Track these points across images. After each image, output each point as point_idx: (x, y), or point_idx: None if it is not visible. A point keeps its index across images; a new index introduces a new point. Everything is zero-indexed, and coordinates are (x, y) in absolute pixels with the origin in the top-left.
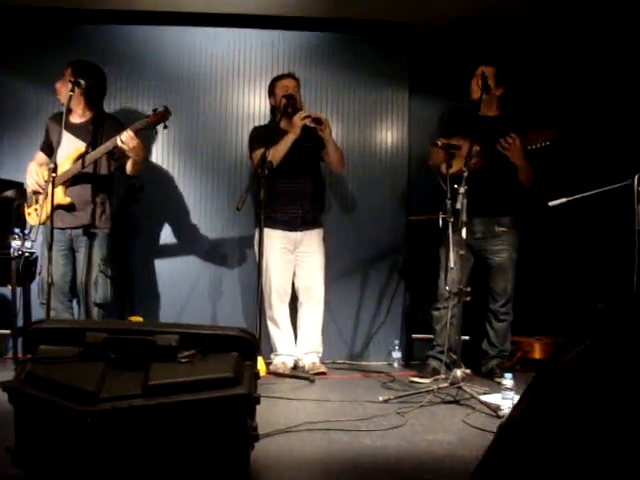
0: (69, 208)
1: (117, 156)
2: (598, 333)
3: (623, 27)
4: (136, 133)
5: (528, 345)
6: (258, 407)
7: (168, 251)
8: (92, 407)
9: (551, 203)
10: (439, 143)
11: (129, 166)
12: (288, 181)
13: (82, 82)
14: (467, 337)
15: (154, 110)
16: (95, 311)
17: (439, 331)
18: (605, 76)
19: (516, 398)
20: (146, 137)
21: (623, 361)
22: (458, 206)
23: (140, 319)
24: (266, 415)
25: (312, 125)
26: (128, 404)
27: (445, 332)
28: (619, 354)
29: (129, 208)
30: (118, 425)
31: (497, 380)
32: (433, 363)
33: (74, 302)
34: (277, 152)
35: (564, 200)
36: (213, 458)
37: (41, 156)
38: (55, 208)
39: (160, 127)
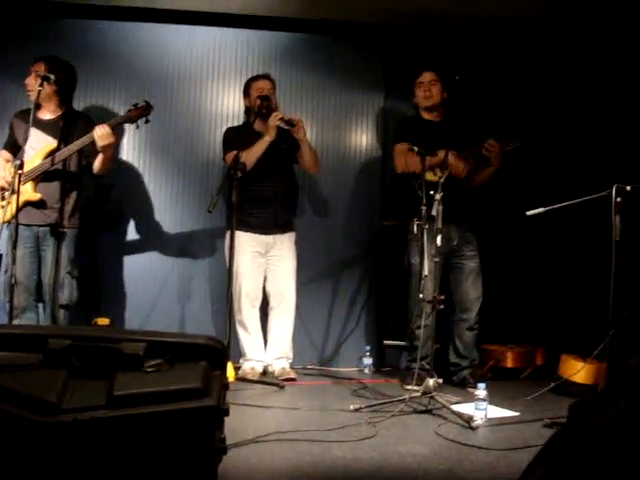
0: (38, 205)
1: (87, 153)
2: (635, 396)
3: (596, 34)
4: (113, 129)
5: (500, 354)
6: None
7: (137, 252)
8: (52, 418)
9: (529, 213)
10: (415, 149)
11: (97, 164)
12: (261, 183)
13: (52, 77)
14: (438, 345)
15: (135, 105)
16: (61, 313)
17: (420, 346)
18: (584, 85)
19: (490, 409)
20: (116, 135)
21: None
22: (433, 213)
23: (107, 321)
24: (234, 423)
25: (286, 127)
26: (91, 415)
27: (428, 343)
28: None
29: (98, 207)
30: (80, 438)
31: (470, 389)
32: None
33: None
34: (252, 155)
35: (542, 210)
36: (179, 473)
37: (5, 154)
38: (24, 204)
39: (141, 122)
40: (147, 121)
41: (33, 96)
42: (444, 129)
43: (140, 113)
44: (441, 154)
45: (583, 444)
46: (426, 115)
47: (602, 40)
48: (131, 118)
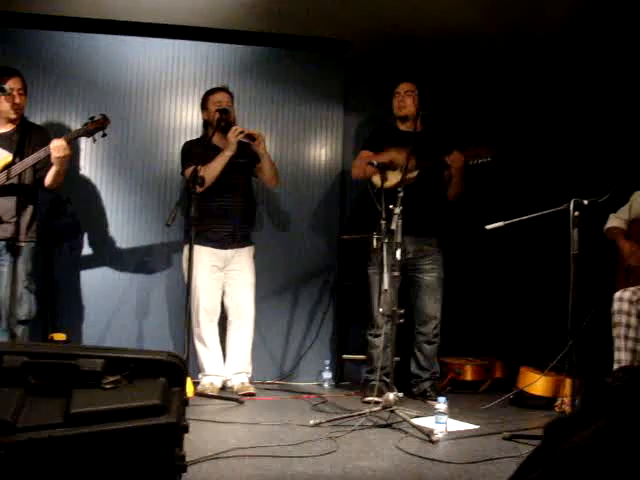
0: None
1: (40, 166)
2: (612, 415)
3: (551, 49)
4: (69, 143)
5: (459, 367)
6: None
7: (94, 266)
8: (7, 438)
9: (488, 227)
10: (374, 163)
11: (49, 178)
12: (220, 198)
13: (6, 88)
14: (397, 358)
15: (91, 118)
16: (20, 329)
17: (376, 356)
18: (542, 100)
19: (449, 422)
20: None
21: None
22: (393, 227)
23: (63, 337)
24: (194, 440)
25: (246, 141)
26: (48, 434)
27: (383, 355)
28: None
29: (54, 221)
30: (36, 457)
31: (430, 403)
32: (379, 385)
33: None
34: (212, 170)
35: (501, 224)
36: None
37: None
38: None
39: (98, 135)
40: (104, 135)
41: None
42: (417, 140)
43: (97, 127)
44: (399, 159)
45: (563, 464)
46: (401, 125)
47: (556, 57)
48: (88, 132)
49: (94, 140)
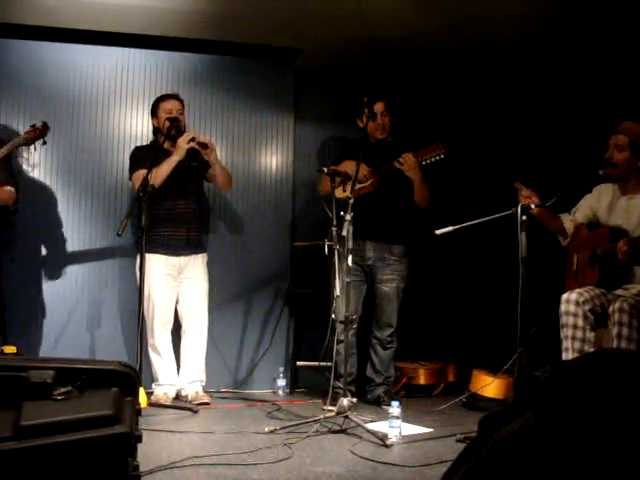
0: None
1: None
2: (539, 407)
3: (500, 50)
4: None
5: (413, 371)
6: None
7: (44, 277)
8: None
9: (438, 231)
10: (325, 170)
11: None
12: (170, 203)
13: None
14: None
15: (32, 126)
16: None
17: (339, 361)
18: (494, 103)
19: (404, 426)
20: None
21: (569, 438)
22: (344, 233)
23: (14, 349)
24: (148, 450)
25: (197, 148)
26: None
27: (347, 361)
28: (564, 431)
29: (1, 231)
30: None
31: (384, 407)
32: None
33: None
34: (159, 174)
35: (451, 228)
36: None
37: None
38: None
39: (39, 143)
40: (44, 142)
41: None
42: (381, 149)
43: (37, 135)
44: (350, 168)
45: (492, 456)
46: (371, 138)
47: (506, 57)
48: (28, 140)
49: (35, 149)
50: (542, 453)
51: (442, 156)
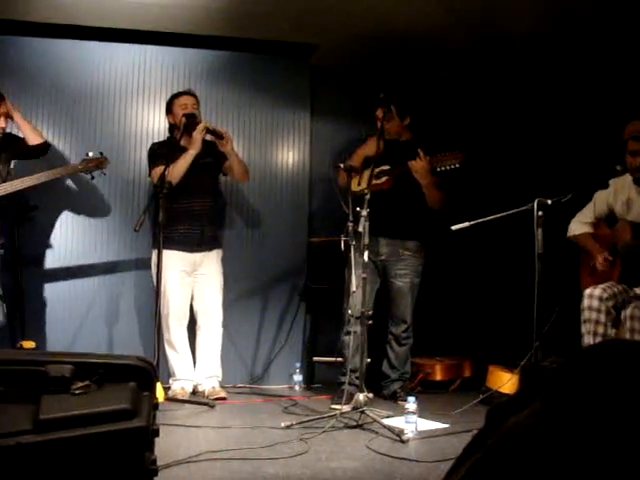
0: None
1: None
2: (546, 396)
3: (514, 52)
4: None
5: (429, 367)
6: None
7: (62, 273)
8: None
9: (454, 227)
10: (341, 165)
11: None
12: (187, 200)
13: None
14: (369, 359)
15: (87, 154)
16: None
17: (349, 356)
18: (510, 101)
19: (420, 421)
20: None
21: (576, 427)
22: (360, 229)
23: (32, 344)
24: (165, 444)
25: (212, 139)
26: (16, 441)
27: (356, 356)
28: (571, 420)
29: (21, 227)
30: (5, 465)
31: (400, 403)
32: (349, 389)
33: None
34: (176, 169)
35: (467, 224)
36: None
37: None
38: None
39: (97, 173)
40: (104, 174)
41: None
42: (399, 147)
43: (95, 166)
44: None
45: (500, 446)
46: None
47: (522, 59)
48: (89, 169)
49: (92, 177)
50: (550, 443)
51: (457, 165)
